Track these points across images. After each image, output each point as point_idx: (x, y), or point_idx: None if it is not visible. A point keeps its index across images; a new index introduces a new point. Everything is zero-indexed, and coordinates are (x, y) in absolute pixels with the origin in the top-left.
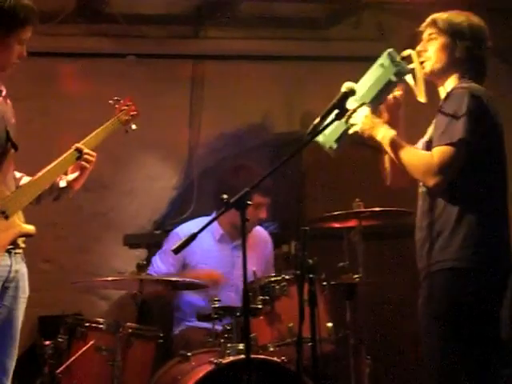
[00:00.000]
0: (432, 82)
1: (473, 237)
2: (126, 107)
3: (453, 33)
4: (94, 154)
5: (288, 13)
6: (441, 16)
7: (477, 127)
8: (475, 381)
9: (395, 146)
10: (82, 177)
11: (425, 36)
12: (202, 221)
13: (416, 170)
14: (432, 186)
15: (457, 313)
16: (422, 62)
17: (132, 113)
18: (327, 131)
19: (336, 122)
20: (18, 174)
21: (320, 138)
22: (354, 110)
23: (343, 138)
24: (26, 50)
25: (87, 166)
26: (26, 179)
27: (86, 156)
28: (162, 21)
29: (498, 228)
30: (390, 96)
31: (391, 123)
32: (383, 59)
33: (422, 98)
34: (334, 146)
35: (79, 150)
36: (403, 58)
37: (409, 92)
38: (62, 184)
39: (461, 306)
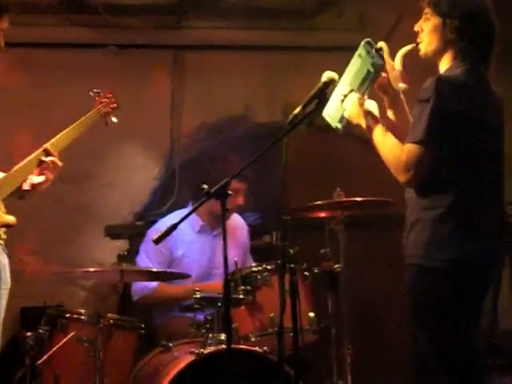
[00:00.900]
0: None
1: (440, 233)
2: (106, 99)
3: (444, 13)
4: (58, 162)
5: (273, 2)
6: None
7: (443, 121)
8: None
9: (377, 136)
10: (46, 182)
11: (423, 15)
12: (181, 213)
13: (389, 165)
14: (402, 183)
15: (422, 308)
16: (417, 44)
17: (112, 105)
18: (332, 113)
19: (338, 104)
20: None
21: (328, 119)
22: (346, 96)
23: (344, 119)
24: (3, 41)
25: (49, 174)
26: None
27: (51, 160)
28: (144, 11)
29: (471, 224)
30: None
31: (391, 107)
32: (360, 50)
33: (395, 87)
34: (339, 126)
35: (47, 152)
36: (377, 50)
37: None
38: (25, 187)
39: (426, 303)
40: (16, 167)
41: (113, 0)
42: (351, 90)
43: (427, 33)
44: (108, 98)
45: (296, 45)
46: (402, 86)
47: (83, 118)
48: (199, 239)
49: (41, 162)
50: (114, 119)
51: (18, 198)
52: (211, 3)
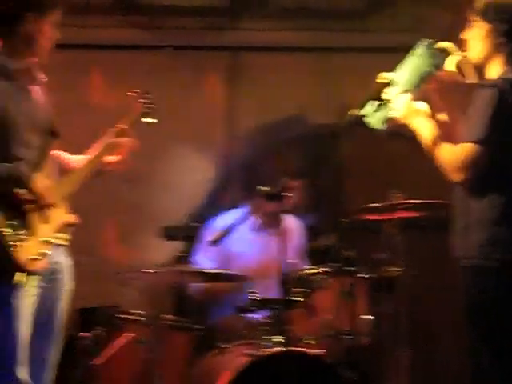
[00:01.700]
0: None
1: (497, 234)
2: (143, 100)
3: (492, 18)
4: (132, 140)
5: (325, 3)
6: (481, 1)
7: (501, 121)
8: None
9: (430, 137)
10: (122, 160)
11: (470, 23)
12: (236, 213)
13: (444, 165)
14: (458, 182)
15: (479, 310)
16: (465, 51)
17: (149, 105)
18: (374, 114)
19: (384, 104)
20: (60, 154)
21: (369, 120)
22: (395, 97)
23: (388, 120)
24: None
25: (125, 152)
26: (70, 158)
27: (125, 139)
28: (198, 12)
29: None
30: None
31: (441, 108)
32: (421, 49)
33: (470, 80)
34: (382, 127)
35: (120, 132)
36: (439, 50)
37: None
38: (106, 168)
39: (482, 304)
40: (87, 156)
41: (166, 1)
42: (402, 91)
43: (476, 40)
44: (145, 97)
45: (350, 46)
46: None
47: (123, 119)
48: (255, 238)
49: (115, 143)
50: (151, 120)
51: (92, 177)
52: (264, 4)
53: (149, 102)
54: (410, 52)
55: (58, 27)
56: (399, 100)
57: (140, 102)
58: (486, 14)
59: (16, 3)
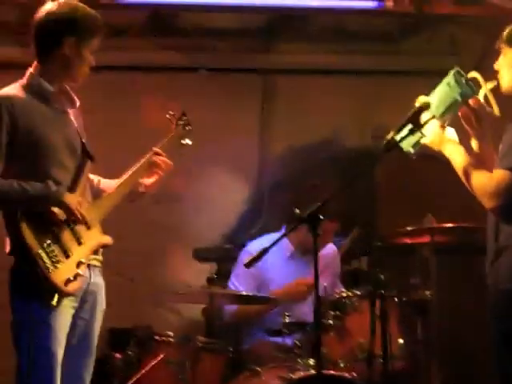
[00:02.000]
0: None
1: None
2: (181, 122)
3: None
4: (169, 162)
5: (360, 26)
6: (508, 28)
7: None
8: None
9: (461, 163)
10: (158, 181)
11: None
12: (272, 237)
13: (476, 190)
14: (489, 209)
15: (509, 336)
16: (498, 80)
17: (187, 127)
18: (408, 138)
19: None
20: (95, 179)
21: (403, 144)
22: (426, 123)
23: (418, 144)
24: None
25: (160, 173)
26: (104, 182)
27: (161, 160)
28: (233, 35)
29: None
30: (466, 108)
31: (473, 135)
32: (449, 78)
33: (495, 113)
34: (412, 151)
35: (157, 154)
36: (468, 79)
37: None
38: (141, 189)
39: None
40: (122, 178)
41: (203, 24)
42: (433, 117)
43: (506, 68)
44: (183, 119)
45: (386, 69)
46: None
47: (162, 141)
48: (289, 265)
49: (151, 163)
50: (189, 142)
51: (128, 202)
52: (301, 27)
53: (186, 123)
54: (442, 79)
55: (94, 52)
56: (429, 126)
57: (178, 123)
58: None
59: (56, 27)
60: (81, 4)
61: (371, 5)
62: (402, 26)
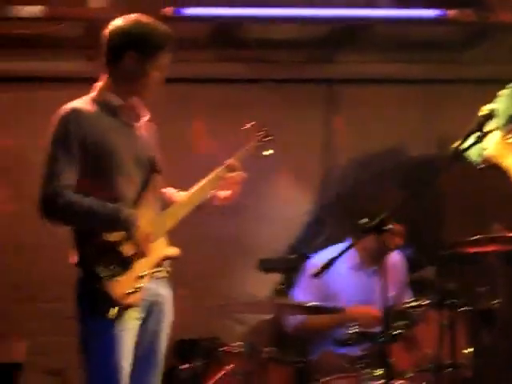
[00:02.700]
0: None
1: None
2: (261, 132)
3: None
4: (242, 174)
5: (423, 36)
6: None
7: None
8: None
9: None
10: (233, 195)
11: None
12: (337, 248)
13: None
14: None
15: None
16: None
17: (267, 138)
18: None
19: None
20: (166, 190)
21: (469, 153)
22: (489, 132)
23: (482, 155)
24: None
25: (236, 187)
26: (174, 194)
27: (234, 175)
28: (297, 45)
29: None
30: None
31: None
32: (509, 90)
33: None
34: (478, 159)
35: (231, 167)
36: None
37: None
38: (216, 202)
39: None
40: (193, 190)
41: (266, 35)
42: (496, 128)
43: None
44: (263, 130)
45: (449, 78)
46: None
47: (239, 151)
48: (355, 276)
49: (225, 178)
50: (270, 152)
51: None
52: (363, 36)
53: (267, 134)
54: (505, 88)
55: (163, 75)
56: (490, 138)
57: (258, 134)
58: None
59: (119, 41)
60: (151, 20)
61: (434, 14)
62: (465, 34)
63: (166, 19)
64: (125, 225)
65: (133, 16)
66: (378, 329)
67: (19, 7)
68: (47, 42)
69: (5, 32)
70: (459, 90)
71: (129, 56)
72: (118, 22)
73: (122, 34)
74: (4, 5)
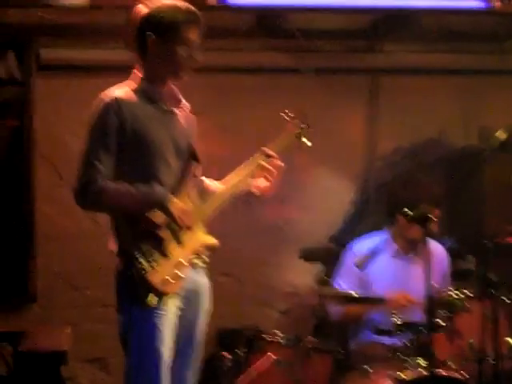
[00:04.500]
0: None
1: None
2: (296, 120)
3: None
4: (280, 164)
5: (466, 26)
6: None
7: None
8: None
9: None
10: (271, 183)
11: None
12: (377, 237)
13: None
14: None
15: None
16: None
17: (302, 125)
18: None
19: None
20: (203, 179)
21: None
22: None
23: None
24: (198, 54)
25: (273, 177)
26: (212, 183)
27: (272, 164)
28: (339, 35)
29: None
30: None
31: None
32: None
33: None
34: None
35: (266, 154)
36: None
37: None
38: (255, 192)
39: None
40: (229, 179)
41: (308, 25)
42: None
43: None
44: (302, 119)
45: (491, 68)
46: None
47: (277, 139)
48: (393, 263)
49: (262, 167)
50: (307, 141)
51: (242, 202)
52: (405, 26)
53: (306, 123)
54: None
55: (194, 50)
56: None
57: (296, 123)
58: None
59: (140, 27)
60: (168, 2)
61: (477, 5)
62: (507, 25)
63: (210, 9)
64: (159, 200)
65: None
66: (419, 318)
67: None
68: (90, 30)
69: (49, 21)
70: (501, 81)
71: (151, 39)
72: (139, 9)
73: (140, 19)
74: None
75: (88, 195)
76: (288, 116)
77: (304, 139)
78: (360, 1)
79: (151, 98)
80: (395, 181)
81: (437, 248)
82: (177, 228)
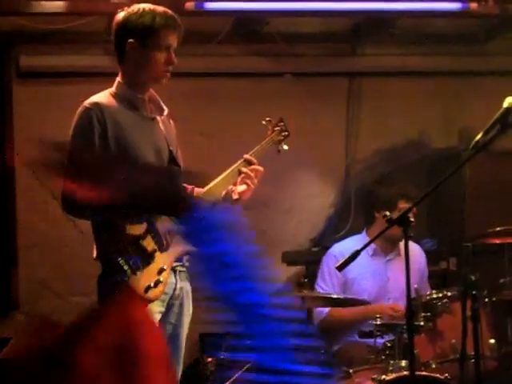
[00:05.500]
0: None
1: None
2: (278, 128)
3: None
4: (260, 169)
5: (444, 28)
6: None
7: None
8: None
9: None
10: (249, 189)
11: None
12: (355, 238)
13: None
14: None
15: None
16: None
17: (283, 133)
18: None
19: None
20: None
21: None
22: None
23: None
24: (174, 57)
25: (251, 182)
26: (193, 189)
27: (252, 168)
28: (319, 39)
29: None
30: None
31: None
32: None
33: None
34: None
35: (248, 162)
36: None
37: None
38: (235, 196)
39: None
40: (210, 185)
41: (288, 29)
42: None
43: None
44: (280, 125)
45: (470, 70)
46: None
47: (257, 146)
48: (372, 263)
49: (242, 172)
50: (286, 147)
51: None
52: (385, 29)
53: (284, 129)
54: None
55: (171, 54)
56: None
57: (275, 129)
58: None
59: (119, 32)
60: (146, 7)
61: (455, 7)
62: (486, 27)
63: (189, 14)
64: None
65: (135, 5)
66: (402, 320)
67: (42, 2)
68: (70, 37)
69: (28, 27)
70: (481, 82)
71: (130, 45)
72: (118, 15)
73: (119, 24)
74: (28, 0)
75: (74, 202)
76: (270, 124)
77: (285, 146)
78: (340, 4)
79: (131, 104)
80: (374, 182)
81: (415, 249)
82: (158, 235)
